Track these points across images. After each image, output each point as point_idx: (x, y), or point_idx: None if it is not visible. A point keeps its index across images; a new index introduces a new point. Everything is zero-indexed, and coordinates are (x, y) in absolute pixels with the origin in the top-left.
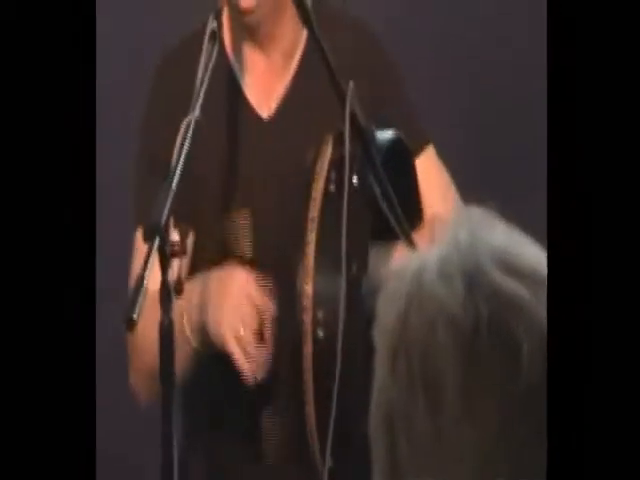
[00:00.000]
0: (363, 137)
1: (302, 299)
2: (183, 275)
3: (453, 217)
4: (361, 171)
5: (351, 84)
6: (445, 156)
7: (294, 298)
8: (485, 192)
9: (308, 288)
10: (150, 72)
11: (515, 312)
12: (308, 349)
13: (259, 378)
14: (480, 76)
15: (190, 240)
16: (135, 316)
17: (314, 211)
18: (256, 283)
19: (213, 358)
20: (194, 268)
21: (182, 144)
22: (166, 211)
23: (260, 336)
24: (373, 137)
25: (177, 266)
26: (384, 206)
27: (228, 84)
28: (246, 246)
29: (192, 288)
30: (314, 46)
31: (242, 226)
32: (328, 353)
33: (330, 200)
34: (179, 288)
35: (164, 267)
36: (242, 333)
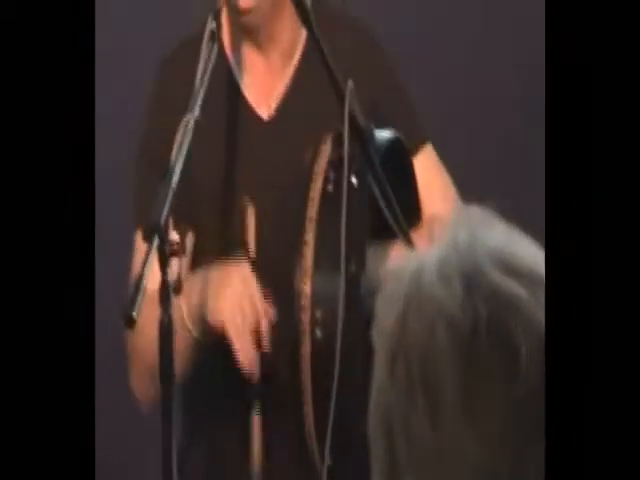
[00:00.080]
0: (362, 137)
1: (300, 299)
2: (182, 275)
3: (452, 217)
4: (360, 171)
5: (350, 83)
6: (444, 155)
7: (292, 298)
8: (484, 191)
9: (306, 288)
10: (149, 73)
11: (514, 312)
12: (306, 349)
13: (257, 370)
14: (479, 75)
15: (189, 240)
16: (134, 314)
17: (312, 211)
18: (254, 277)
19: (212, 354)
20: (194, 268)
21: (181, 144)
22: (165, 211)
23: (257, 333)
24: (372, 137)
25: (176, 266)
26: (383, 206)
27: (227, 84)
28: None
29: (193, 279)
30: (313, 46)
31: (241, 226)
32: (326, 353)
33: (328, 200)
34: (178, 287)
35: (163, 266)
36: (240, 322)
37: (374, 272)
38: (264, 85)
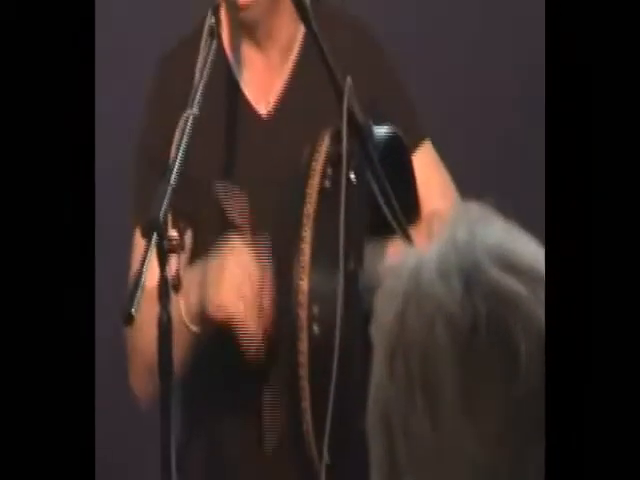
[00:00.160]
0: (360, 133)
1: (298, 295)
2: (181, 271)
3: (451, 214)
4: (358, 167)
5: (349, 80)
6: (443, 152)
7: (290, 294)
8: (483, 188)
9: (303, 284)
10: (149, 72)
11: (513, 310)
12: (304, 345)
13: (261, 352)
14: (479, 72)
15: (188, 236)
16: (133, 311)
17: (309, 208)
18: (251, 257)
19: (211, 349)
20: (192, 264)
21: (180, 140)
22: (164, 207)
23: (260, 313)
24: (370, 133)
25: (175, 262)
26: (381, 202)
27: (226, 81)
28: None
29: (189, 274)
30: (311, 42)
31: (239, 222)
32: (324, 349)
33: (326, 196)
34: (177, 284)
35: (162, 263)
36: (242, 306)
37: (372, 268)
38: (263, 81)
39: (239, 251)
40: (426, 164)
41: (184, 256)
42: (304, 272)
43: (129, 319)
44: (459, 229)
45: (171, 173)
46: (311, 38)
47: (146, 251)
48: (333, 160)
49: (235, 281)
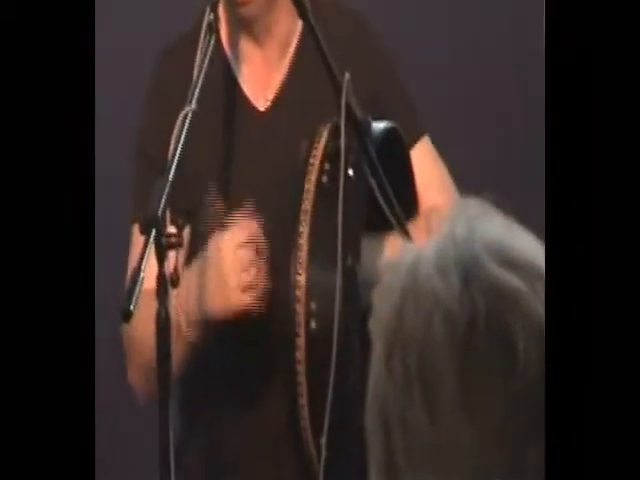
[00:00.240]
0: (359, 128)
1: (295, 290)
2: (180, 267)
3: (450, 210)
4: (356, 163)
5: (347, 75)
6: (443, 148)
7: (287, 289)
8: (482, 184)
9: (301, 279)
10: (149, 68)
11: (512, 306)
12: (301, 340)
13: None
14: (478, 68)
15: (187, 232)
16: (132, 307)
17: (307, 203)
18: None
19: (210, 347)
20: (190, 260)
21: (179, 136)
22: (163, 203)
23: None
24: (369, 128)
25: (173, 258)
26: (379, 197)
27: (224, 77)
28: None
29: (187, 277)
30: (310, 37)
31: (237, 217)
32: (321, 345)
33: (323, 192)
34: (176, 280)
35: (161, 259)
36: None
37: (370, 264)
38: (261, 77)
39: (235, 232)
40: (424, 159)
41: (182, 252)
42: (302, 267)
43: (127, 315)
44: (458, 225)
45: (169, 169)
46: (309, 33)
47: (144, 247)
48: (331, 156)
49: (235, 237)
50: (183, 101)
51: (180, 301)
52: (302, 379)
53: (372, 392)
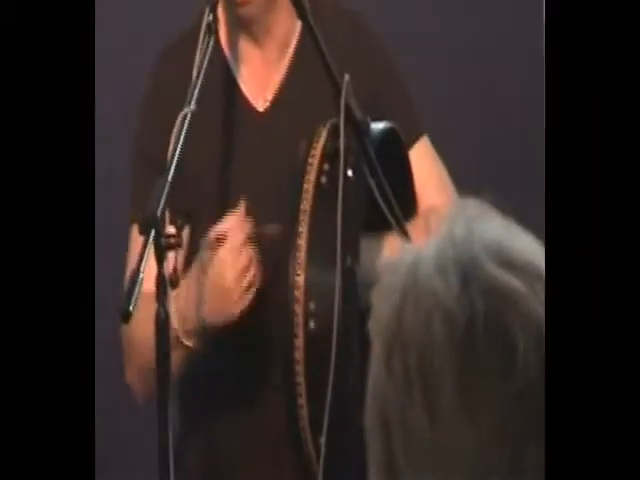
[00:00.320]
0: (358, 129)
1: (294, 290)
2: (179, 268)
3: (449, 210)
4: (355, 163)
5: (346, 77)
6: (442, 148)
7: (286, 289)
8: (482, 183)
9: (300, 279)
10: (148, 68)
11: (511, 306)
12: (300, 341)
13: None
14: (478, 68)
15: (186, 233)
16: (131, 308)
17: (306, 203)
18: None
19: (209, 350)
20: (189, 261)
21: (178, 137)
22: (162, 203)
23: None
24: (368, 129)
25: (173, 258)
26: (378, 197)
27: (224, 77)
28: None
29: (185, 284)
30: (309, 38)
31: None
32: (320, 345)
33: (322, 192)
34: (175, 280)
35: (160, 259)
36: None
37: (369, 264)
38: (260, 77)
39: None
40: (423, 159)
41: (182, 252)
42: (300, 268)
43: (127, 316)
44: (457, 225)
45: (169, 170)
46: (308, 33)
47: (144, 248)
48: (330, 156)
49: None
50: (182, 101)
51: (178, 307)
52: (301, 379)
53: (371, 392)
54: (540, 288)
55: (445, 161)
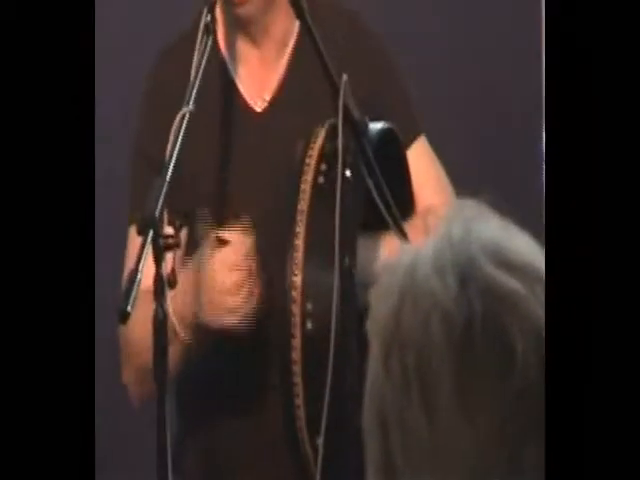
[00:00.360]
0: (356, 129)
1: (291, 291)
2: (177, 268)
3: (447, 211)
4: (354, 164)
5: (345, 77)
6: (441, 147)
7: (283, 290)
8: (481, 183)
9: (297, 280)
10: (148, 68)
11: (509, 307)
12: (297, 341)
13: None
14: (477, 68)
15: (184, 233)
16: (129, 308)
17: (303, 203)
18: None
19: (205, 349)
20: (187, 261)
21: (176, 137)
22: (160, 204)
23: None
24: (366, 129)
25: (171, 259)
26: (376, 198)
27: (221, 77)
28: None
29: (183, 282)
30: (307, 38)
31: (234, 218)
32: (318, 345)
33: (320, 192)
34: (173, 281)
35: (158, 260)
36: (230, 280)
37: (366, 264)
38: (258, 78)
39: (228, 253)
40: (421, 159)
41: (180, 253)
42: (298, 268)
43: (125, 316)
44: (454, 226)
45: (167, 170)
46: (307, 33)
47: (142, 248)
48: (327, 156)
49: (227, 254)
50: (181, 101)
51: (176, 305)
52: (298, 380)
53: (369, 393)
54: (538, 289)
55: (444, 161)
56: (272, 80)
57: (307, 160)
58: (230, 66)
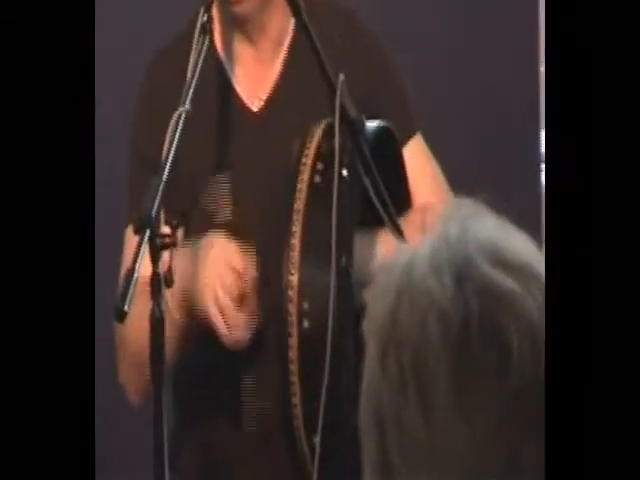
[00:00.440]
0: (353, 128)
1: (288, 290)
2: (173, 267)
3: (443, 210)
4: (350, 163)
5: (341, 77)
6: (438, 146)
7: (280, 289)
8: (479, 183)
9: (294, 279)
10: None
11: (505, 307)
12: (294, 340)
13: (242, 341)
14: (477, 67)
15: (180, 233)
16: (126, 307)
17: (299, 203)
18: (237, 249)
19: (203, 342)
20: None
21: (172, 137)
22: (157, 203)
23: (241, 300)
24: (362, 128)
25: (168, 258)
26: (373, 196)
27: (218, 77)
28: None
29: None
30: (303, 36)
31: (230, 218)
32: (314, 344)
33: (316, 192)
34: (170, 280)
35: (155, 259)
36: (221, 295)
37: (363, 263)
38: (254, 77)
39: (224, 243)
40: (416, 157)
41: (176, 252)
42: (294, 267)
43: (121, 316)
44: (451, 225)
45: (163, 170)
46: (303, 32)
47: (139, 248)
48: (324, 155)
49: (216, 270)
50: (177, 101)
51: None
52: (295, 379)
53: (366, 392)
54: (535, 288)
55: (443, 160)
56: (268, 79)
57: (303, 159)
58: (227, 66)
